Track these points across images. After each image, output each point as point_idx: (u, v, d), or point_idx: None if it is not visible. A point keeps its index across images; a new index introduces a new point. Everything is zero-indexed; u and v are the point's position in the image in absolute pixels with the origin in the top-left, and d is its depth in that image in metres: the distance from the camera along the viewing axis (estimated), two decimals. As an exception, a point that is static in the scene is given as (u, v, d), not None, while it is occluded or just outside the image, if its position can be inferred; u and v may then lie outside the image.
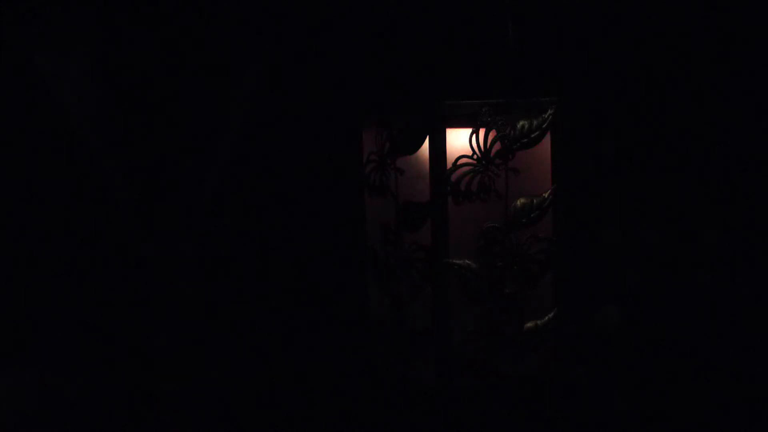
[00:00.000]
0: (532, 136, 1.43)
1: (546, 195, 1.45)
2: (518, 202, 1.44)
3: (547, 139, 1.45)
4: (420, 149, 1.41)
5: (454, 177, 1.40)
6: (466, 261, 1.41)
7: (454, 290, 1.41)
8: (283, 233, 1.72)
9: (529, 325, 1.46)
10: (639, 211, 1.71)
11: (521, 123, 1.43)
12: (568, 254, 1.49)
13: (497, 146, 1.41)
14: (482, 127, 1.40)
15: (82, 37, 1.53)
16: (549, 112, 1.44)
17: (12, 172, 1.56)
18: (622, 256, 1.68)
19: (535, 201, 1.45)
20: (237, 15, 1.57)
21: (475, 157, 1.41)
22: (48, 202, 1.58)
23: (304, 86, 1.70)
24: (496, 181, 1.42)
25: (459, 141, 1.41)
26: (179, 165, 1.60)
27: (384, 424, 1.62)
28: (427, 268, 1.42)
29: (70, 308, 1.60)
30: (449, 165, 1.39)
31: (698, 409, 1.58)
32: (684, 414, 1.57)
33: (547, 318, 1.47)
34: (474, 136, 1.40)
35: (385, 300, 1.50)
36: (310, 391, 1.70)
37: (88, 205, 1.60)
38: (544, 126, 1.44)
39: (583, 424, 1.56)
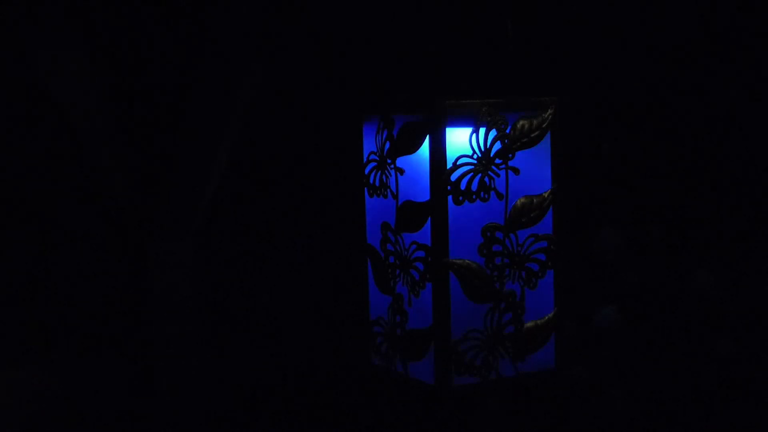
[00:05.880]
0: (532, 135, 1.43)
1: (546, 195, 1.45)
2: (518, 202, 1.44)
3: (547, 139, 1.45)
4: (420, 149, 1.41)
5: (454, 177, 1.40)
6: (466, 261, 1.41)
7: (454, 290, 1.41)
8: (283, 233, 1.72)
9: (529, 325, 1.46)
10: (639, 210, 1.71)
11: (521, 123, 1.43)
12: (568, 254, 1.49)
13: (497, 146, 1.42)
14: (482, 126, 1.40)
15: (82, 37, 1.53)
16: (549, 111, 1.44)
17: (11, 172, 1.56)
18: (622, 255, 1.68)
19: (535, 201, 1.45)
20: (237, 15, 1.57)
21: (475, 157, 1.41)
22: (48, 202, 1.58)
23: (304, 86, 1.70)
24: (496, 181, 1.42)
25: (459, 141, 1.41)
26: (179, 164, 1.60)
27: (384, 424, 1.62)
28: (427, 268, 1.42)
29: (70, 308, 1.60)
30: (449, 165, 1.40)
31: (698, 408, 1.58)
32: (684, 413, 1.57)
33: (547, 318, 1.47)
34: (474, 136, 1.40)
35: (385, 300, 1.50)
36: (309, 390, 1.70)
37: (88, 204, 1.60)
38: (544, 126, 1.44)
39: (583, 424, 1.56)
